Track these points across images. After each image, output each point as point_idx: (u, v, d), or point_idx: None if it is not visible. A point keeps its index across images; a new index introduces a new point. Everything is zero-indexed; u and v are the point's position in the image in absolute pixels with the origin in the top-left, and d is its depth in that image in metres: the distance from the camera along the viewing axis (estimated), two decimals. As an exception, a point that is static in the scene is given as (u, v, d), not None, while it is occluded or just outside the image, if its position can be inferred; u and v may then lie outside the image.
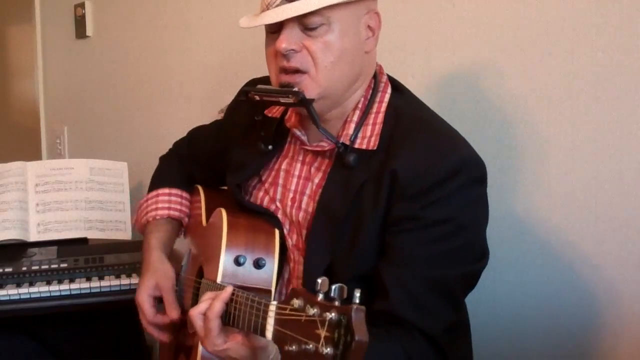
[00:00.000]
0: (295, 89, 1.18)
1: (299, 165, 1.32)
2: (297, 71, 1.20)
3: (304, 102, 1.17)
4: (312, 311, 0.84)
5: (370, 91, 1.27)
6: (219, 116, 2.06)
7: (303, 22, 1.18)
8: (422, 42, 1.66)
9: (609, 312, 1.41)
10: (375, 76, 1.29)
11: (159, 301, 1.43)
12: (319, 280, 0.87)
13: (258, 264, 1.24)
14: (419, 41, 1.67)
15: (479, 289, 1.27)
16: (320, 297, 0.85)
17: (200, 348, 1.22)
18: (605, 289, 1.41)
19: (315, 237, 1.24)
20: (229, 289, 1.08)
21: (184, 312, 1.43)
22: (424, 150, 1.18)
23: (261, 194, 1.36)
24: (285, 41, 1.18)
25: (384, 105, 1.26)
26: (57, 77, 2.99)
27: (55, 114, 3.02)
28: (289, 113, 1.35)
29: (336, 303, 0.83)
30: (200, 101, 2.30)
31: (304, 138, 1.30)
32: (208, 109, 2.18)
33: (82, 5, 2.75)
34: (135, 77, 2.58)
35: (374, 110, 1.26)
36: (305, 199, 1.29)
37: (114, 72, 2.68)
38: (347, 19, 1.19)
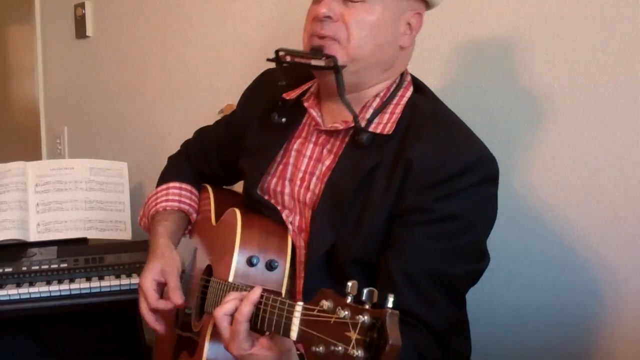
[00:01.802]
0: (329, 53, 1.22)
1: (311, 145, 1.33)
2: (329, 39, 1.24)
3: (334, 67, 1.21)
4: (344, 313, 0.83)
5: (394, 86, 1.30)
6: (219, 116, 2.06)
7: None
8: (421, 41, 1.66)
9: (609, 312, 1.41)
10: (401, 75, 1.32)
11: (163, 288, 1.39)
12: (349, 284, 0.86)
13: (270, 266, 1.24)
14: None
15: (478, 289, 1.27)
16: (349, 299, 0.85)
17: (205, 349, 1.21)
18: (606, 289, 1.42)
19: (321, 215, 1.25)
20: (257, 291, 1.04)
21: (188, 309, 1.43)
22: (441, 143, 1.20)
23: (269, 177, 1.37)
24: (325, 6, 1.23)
25: (405, 99, 1.29)
26: (57, 77, 2.98)
27: (55, 114, 3.01)
28: (307, 94, 1.37)
29: (367, 307, 0.83)
30: (200, 101, 2.30)
31: (320, 119, 1.32)
32: (208, 108, 2.18)
33: (82, 5, 2.75)
34: (135, 77, 2.58)
35: (394, 102, 1.28)
36: (313, 180, 1.30)
37: (114, 72, 2.68)
38: (389, 6, 1.24)
